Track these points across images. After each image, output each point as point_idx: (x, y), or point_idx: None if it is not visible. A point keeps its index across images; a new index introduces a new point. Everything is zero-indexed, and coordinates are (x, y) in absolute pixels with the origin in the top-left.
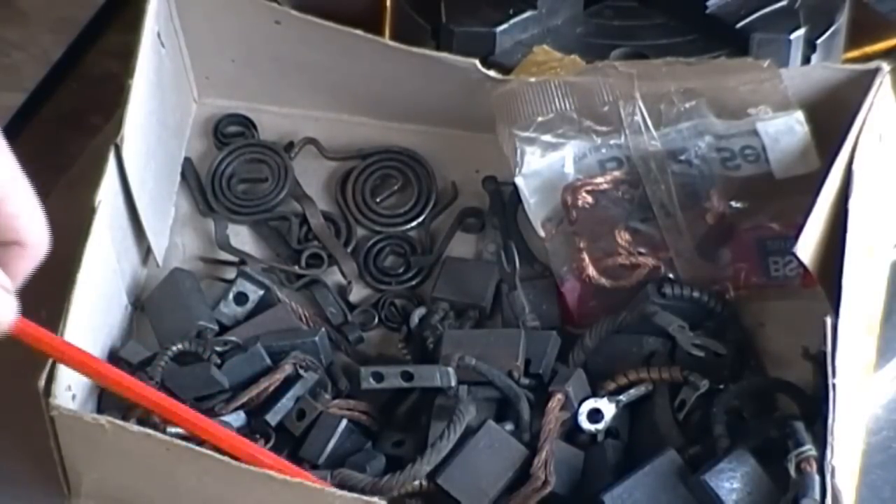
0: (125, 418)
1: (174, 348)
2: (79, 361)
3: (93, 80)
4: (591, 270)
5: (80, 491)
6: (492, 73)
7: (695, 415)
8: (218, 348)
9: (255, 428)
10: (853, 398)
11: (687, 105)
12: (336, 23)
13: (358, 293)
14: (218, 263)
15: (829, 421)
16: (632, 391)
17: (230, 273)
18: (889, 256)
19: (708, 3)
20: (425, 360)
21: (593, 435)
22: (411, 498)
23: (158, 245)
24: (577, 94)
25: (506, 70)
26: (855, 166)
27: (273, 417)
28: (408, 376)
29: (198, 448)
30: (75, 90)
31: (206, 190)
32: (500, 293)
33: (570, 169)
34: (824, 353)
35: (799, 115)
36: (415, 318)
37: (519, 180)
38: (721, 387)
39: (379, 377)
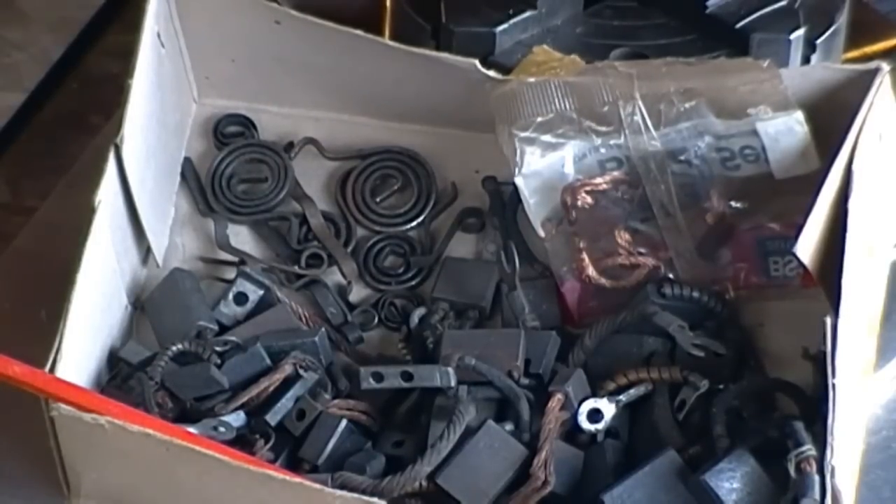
0: None
1: (174, 348)
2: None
3: (93, 80)
4: (591, 270)
5: (80, 491)
6: (492, 73)
7: (695, 415)
8: (218, 348)
9: (254, 428)
10: (853, 398)
11: (687, 105)
12: (336, 23)
13: (358, 293)
14: (218, 263)
15: (829, 421)
16: (632, 391)
17: (230, 273)
18: (889, 256)
19: (708, 3)
20: (425, 360)
21: (593, 435)
22: (411, 498)
23: (158, 245)
24: (576, 94)
25: (506, 70)
26: (855, 166)
27: (273, 417)
28: (408, 376)
29: (198, 448)
30: (75, 90)
31: (206, 190)
32: (500, 293)
33: (569, 169)
34: (824, 353)
35: (799, 115)
36: (415, 318)
37: (519, 180)
38: (721, 387)
39: (379, 377)
